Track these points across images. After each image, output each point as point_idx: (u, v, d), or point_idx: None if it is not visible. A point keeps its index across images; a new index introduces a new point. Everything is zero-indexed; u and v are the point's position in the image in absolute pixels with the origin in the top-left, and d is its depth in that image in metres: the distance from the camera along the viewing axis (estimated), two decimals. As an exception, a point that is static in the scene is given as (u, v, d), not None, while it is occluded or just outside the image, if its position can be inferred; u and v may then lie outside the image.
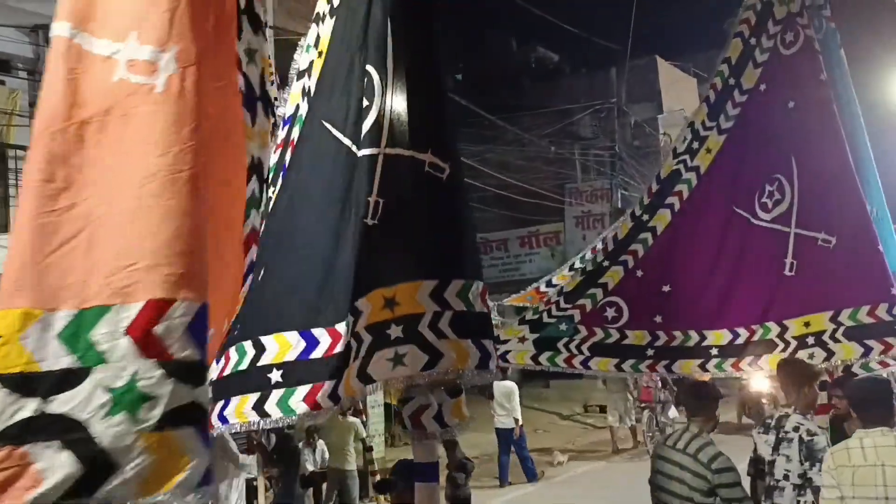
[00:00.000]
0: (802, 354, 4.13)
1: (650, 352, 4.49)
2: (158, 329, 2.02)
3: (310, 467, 9.74)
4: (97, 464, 1.92)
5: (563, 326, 4.57)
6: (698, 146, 4.55)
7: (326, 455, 10.44)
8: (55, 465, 1.89)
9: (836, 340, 4.35)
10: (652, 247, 4.54)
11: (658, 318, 4.50)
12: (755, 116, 4.50)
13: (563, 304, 4.62)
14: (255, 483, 8.89)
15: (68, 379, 1.97)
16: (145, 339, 2.00)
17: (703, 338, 4.41)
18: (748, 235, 4.44)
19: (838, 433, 4.57)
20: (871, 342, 4.30)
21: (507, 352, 4.69)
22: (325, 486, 10.12)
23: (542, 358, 4.62)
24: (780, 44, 4.47)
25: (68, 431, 1.92)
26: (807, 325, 4.14)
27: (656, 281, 4.52)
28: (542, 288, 6.19)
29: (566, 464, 13.50)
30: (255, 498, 8.61)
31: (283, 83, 3.45)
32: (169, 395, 1.99)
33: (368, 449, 9.90)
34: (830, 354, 4.36)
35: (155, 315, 2.02)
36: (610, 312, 4.54)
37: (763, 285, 4.36)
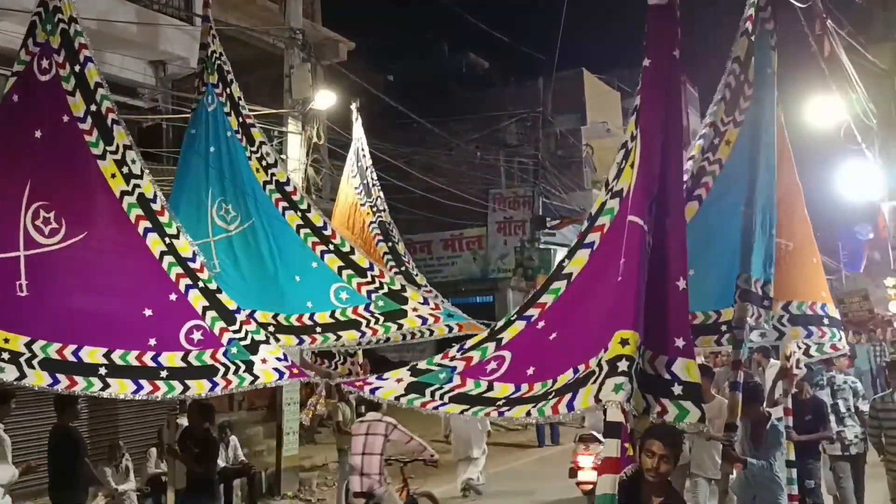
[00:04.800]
0: (609, 384, 3.40)
1: (501, 402, 4.06)
2: None
3: (221, 463, 9.70)
4: None
5: (442, 375, 4.33)
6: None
7: (239, 451, 10.43)
8: None
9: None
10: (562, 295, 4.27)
11: (531, 370, 4.06)
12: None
13: (456, 356, 4.41)
14: (164, 479, 8.78)
15: None
16: None
17: (554, 382, 3.88)
18: None
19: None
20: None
21: (379, 387, 4.49)
22: (235, 482, 10.11)
23: (404, 399, 4.33)
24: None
25: None
26: (623, 342, 3.47)
27: (549, 330, 4.19)
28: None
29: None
30: (164, 493, 8.50)
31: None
32: None
33: None
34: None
35: None
36: (491, 365, 4.24)
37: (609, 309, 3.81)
